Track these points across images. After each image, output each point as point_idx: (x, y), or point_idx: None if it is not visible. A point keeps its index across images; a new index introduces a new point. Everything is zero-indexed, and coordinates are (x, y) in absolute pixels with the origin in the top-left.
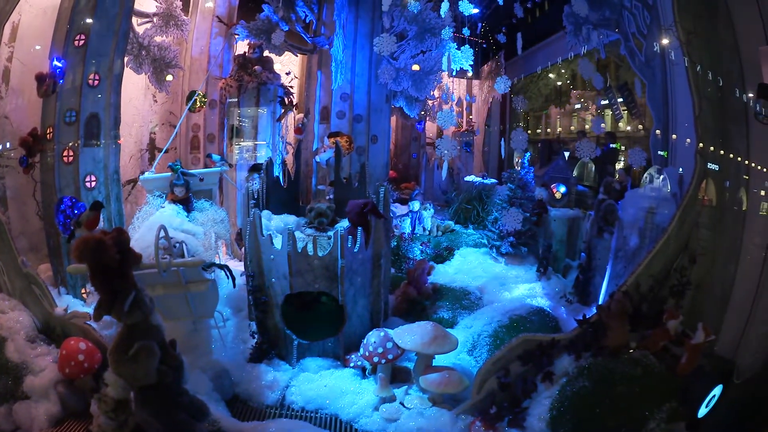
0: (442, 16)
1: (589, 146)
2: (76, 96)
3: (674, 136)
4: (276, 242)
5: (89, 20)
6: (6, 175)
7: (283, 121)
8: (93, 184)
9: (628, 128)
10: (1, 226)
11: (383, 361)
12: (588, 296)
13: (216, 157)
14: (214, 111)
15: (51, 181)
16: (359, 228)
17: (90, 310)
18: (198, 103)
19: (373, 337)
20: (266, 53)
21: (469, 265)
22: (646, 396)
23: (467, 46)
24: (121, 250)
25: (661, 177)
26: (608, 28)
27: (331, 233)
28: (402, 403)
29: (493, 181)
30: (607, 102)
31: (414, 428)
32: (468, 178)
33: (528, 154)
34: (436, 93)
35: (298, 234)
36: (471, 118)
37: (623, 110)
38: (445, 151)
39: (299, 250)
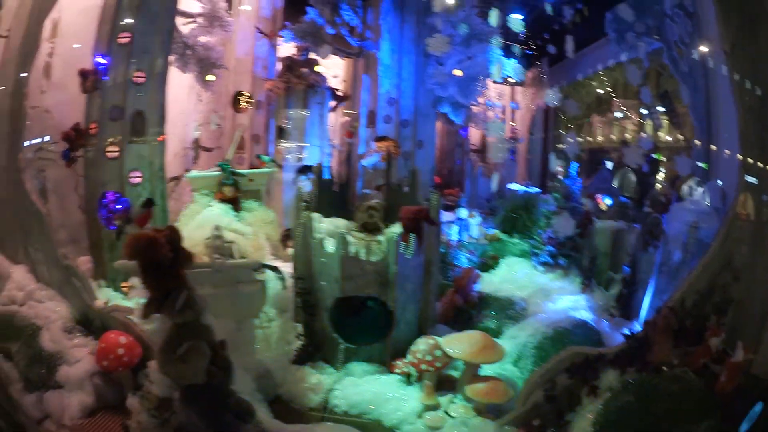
0: (491, 24)
1: (635, 153)
2: (121, 93)
3: (714, 147)
4: (327, 245)
5: (133, 19)
6: (47, 168)
7: (330, 123)
8: (138, 180)
9: (668, 138)
10: (42, 218)
11: (431, 369)
12: (630, 310)
13: (265, 157)
14: (260, 112)
15: (94, 175)
16: (412, 234)
17: (131, 304)
18: (243, 103)
19: (421, 344)
20: (312, 56)
21: (515, 275)
22: (687, 413)
23: (516, 60)
24: (174, 249)
25: (701, 189)
26: (650, 36)
27: (381, 238)
28: (446, 412)
29: (537, 189)
30: (646, 111)
31: None
32: (511, 186)
33: (576, 165)
34: (480, 99)
35: (348, 238)
36: (514, 125)
37: (663, 119)
38: (499, 154)
39: (351, 254)
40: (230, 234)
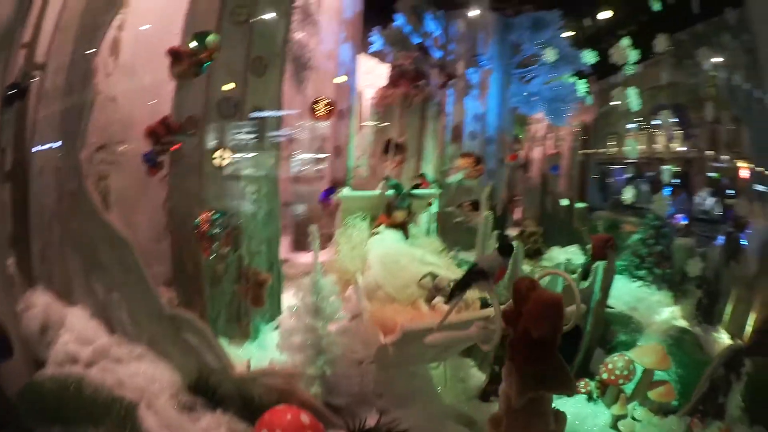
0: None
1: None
2: (237, 82)
3: None
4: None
5: None
6: (110, 174)
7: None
8: (253, 196)
9: (683, 149)
10: (128, 248)
11: (626, 382)
12: (713, 317)
13: (430, 176)
14: (342, 122)
15: (191, 188)
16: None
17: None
18: (321, 110)
19: (620, 361)
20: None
21: (618, 291)
22: None
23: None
24: None
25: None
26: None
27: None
28: (633, 417)
29: (582, 204)
30: (659, 122)
31: None
32: (563, 202)
33: (670, 189)
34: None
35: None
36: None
37: (676, 131)
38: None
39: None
40: (441, 270)
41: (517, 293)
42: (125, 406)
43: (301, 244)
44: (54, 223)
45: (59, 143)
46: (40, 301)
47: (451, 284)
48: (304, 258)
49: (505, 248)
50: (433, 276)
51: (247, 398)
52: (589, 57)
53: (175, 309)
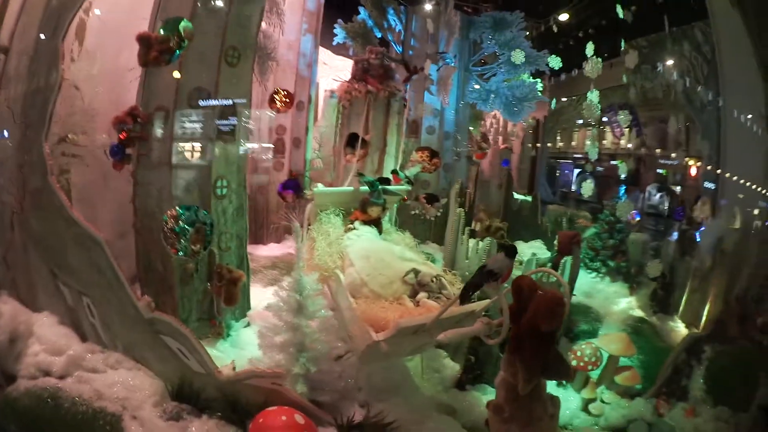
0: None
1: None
2: (210, 72)
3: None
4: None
5: None
6: (72, 167)
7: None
8: (224, 191)
9: (630, 145)
10: (99, 248)
11: (594, 368)
12: (668, 307)
13: (402, 173)
14: (302, 114)
15: (161, 182)
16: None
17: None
18: (278, 102)
19: (587, 349)
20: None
21: (576, 283)
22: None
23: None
24: None
25: (659, 194)
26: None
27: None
28: (602, 400)
29: (528, 198)
30: (606, 120)
31: (620, 416)
32: (517, 196)
33: (624, 188)
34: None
35: None
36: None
37: (625, 128)
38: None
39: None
40: (422, 266)
41: (520, 292)
42: (108, 419)
43: (259, 236)
44: (16, 222)
45: (21, 133)
46: (6, 310)
47: (435, 279)
48: (265, 251)
49: (510, 251)
50: (416, 272)
51: (233, 401)
52: (554, 62)
53: (153, 313)
